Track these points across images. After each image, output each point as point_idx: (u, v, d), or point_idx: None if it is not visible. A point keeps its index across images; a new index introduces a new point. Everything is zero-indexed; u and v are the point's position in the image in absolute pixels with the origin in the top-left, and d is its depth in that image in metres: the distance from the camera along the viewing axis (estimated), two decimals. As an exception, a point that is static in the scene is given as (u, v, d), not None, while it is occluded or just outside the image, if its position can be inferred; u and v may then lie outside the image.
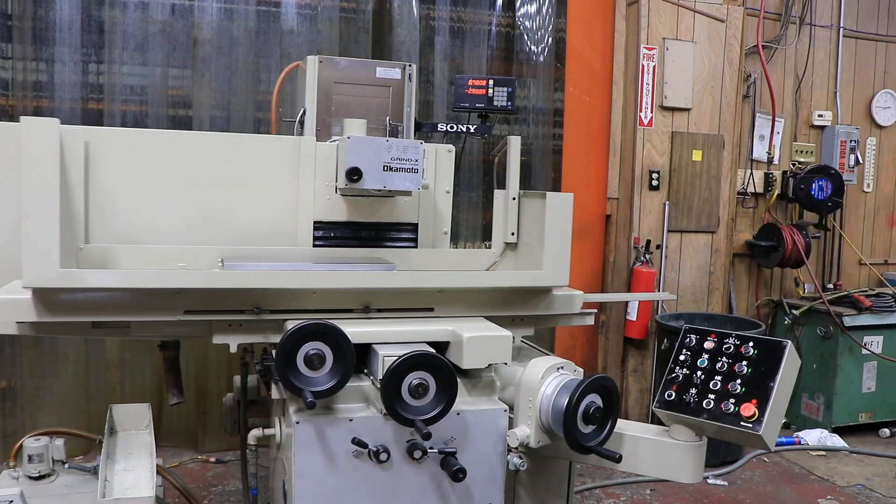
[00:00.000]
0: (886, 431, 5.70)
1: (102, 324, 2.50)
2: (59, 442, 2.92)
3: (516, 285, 2.86)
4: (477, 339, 2.44)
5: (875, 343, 5.61)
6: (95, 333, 2.55)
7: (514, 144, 3.22)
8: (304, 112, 3.39)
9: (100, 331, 2.53)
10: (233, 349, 2.59)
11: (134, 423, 3.07)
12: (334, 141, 3.08)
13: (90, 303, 2.42)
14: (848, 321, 5.54)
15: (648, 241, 5.37)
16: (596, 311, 3.25)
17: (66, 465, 2.92)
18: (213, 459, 4.81)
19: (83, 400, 4.74)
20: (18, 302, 2.37)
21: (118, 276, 2.42)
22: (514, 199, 3.21)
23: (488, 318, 2.73)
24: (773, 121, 5.96)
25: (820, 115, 6.19)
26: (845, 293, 5.83)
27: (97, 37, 4.58)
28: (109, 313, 2.45)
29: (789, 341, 2.41)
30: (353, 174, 2.77)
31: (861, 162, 6.24)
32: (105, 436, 2.86)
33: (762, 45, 5.84)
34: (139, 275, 2.44)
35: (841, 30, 6.20)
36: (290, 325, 2.36)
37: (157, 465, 2.78)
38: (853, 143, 6.13)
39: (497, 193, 3.30)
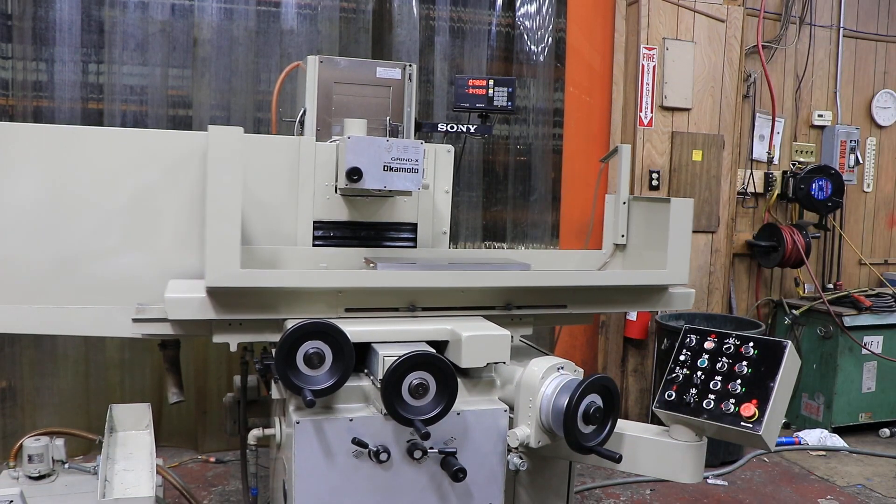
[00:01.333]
0: (886, 431, 5.70)
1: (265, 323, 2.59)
2: (59, 442, 2.92)
3: (645, 283, 3.08)
4: (476, 339, 2.44)
5: (875, 343, 5.61)
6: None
7: (625, 153, 3.41)
8: (304, 112, 3.39)
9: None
10: (233, 348, 2.59)
11: (134, 423, 3.07)
12: (334, 141, 3.08)
13: (259, 301, 2.53)
14: (848, 321, 5.54)
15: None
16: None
17: (66, 465, 2.93)
18: (213, 459, 4.81)
19: (83, 400, 4.74)
20: (202, 301, 2.46)
21: (296, 276, 2.55)
22: (623, 203, 3.39)
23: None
24: (773, 121, 5.96)
25: (820, 115, 6.19)
26: (845, 293, 5.83)
27: (97, 37, 4.58)
28: (274, 311, 2.55)
29: (789, 341, 2.41)
30: (354, 174, 2.77)
31: (861, 162, 6.24)
32: (105, 436, 2.86)
33: (762, 45, 5.84)
34: (311, 274, 2.58)
35: (841, 30, 6.21)
36: (290, 324, 2.36)
37: (157, 465, 2.78)
38: (853, 143, 6.13)
39: (608, 198, 3.49)
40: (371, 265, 2.72)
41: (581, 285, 2.94)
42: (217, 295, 2.46)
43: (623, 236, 3.41)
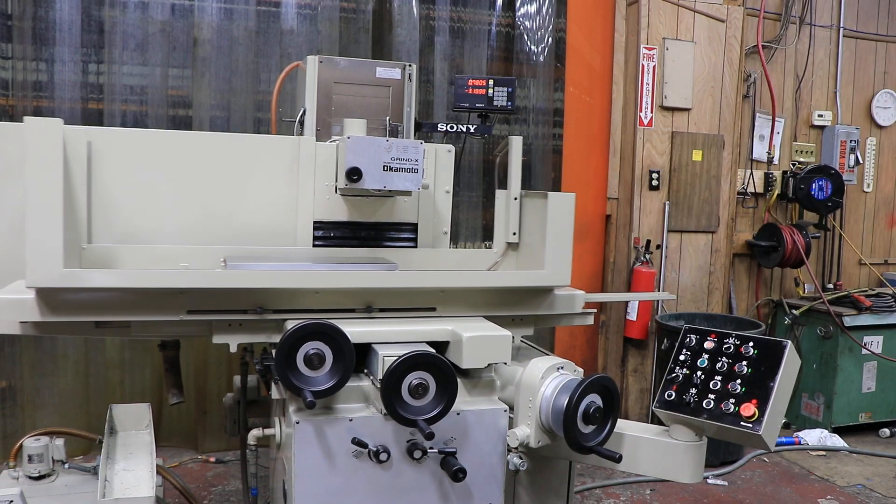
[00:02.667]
0: (886, 431, 5.70)
1: (105, 323, 2.50)
2: (59, 442, 2.92)
3: (518, 285, 2.87)
4: (476, 339, 2.44)
5: (875, 343, 5.61)
6: (98, 333, 2.56)
7: (516, 144, 3.22)
8: (304, 112, 3.39)
9: (102, 330, 2.54)
10: (233, 349, 2.59)
11: (134, 423, 3.07)
12: (334, 141, 3.08)
13: (93, 302, 2.43)
14: (848, 321, 5.54)
15: (648, 241, 5.37)
16: (596, 310, 3.25)
17: (66, 465, 2.93)
18: (213, 459, 4.81)
19: (83, 400, 4.74)
20: (21, 302, 2.37)
21: (121, 277, 2.43)
22: (515, 199, 3.20)
23: (489, 318, 2.73)
24: (773, 121, 5.96)
25: (820, 115, 6.19)
26: (845, 293, 5.83)
27: (97, 37, 4.58)
28: (112, 313, 2.46)
29: (789, 341, 2.41)
30: (353, 174, 2.77)
31: (861, 162, 6.24)
32: (105, 436, 2.86)
33: (762, 45, 5.84)
34: (142, 275, 2.44)
35: (841, 30, 6.20)
36: (290, 324, 2.36)
37: (157, 465, 2.78)
38: (853, 143, 6.13)
39: (498, 193, 3.29)
40: (223, 264, 2.67)
41: (449, 287, 2.75)
42: (44, 295, 2.37)
43: (515, 234, 3.21)
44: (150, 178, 2.88)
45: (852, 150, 6.13)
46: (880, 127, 6.47)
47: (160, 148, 2.89)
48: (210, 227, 2.95)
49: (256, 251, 2.94)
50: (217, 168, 2.95)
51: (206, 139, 3.03)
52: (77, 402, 4.73)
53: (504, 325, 2.64)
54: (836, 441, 5.43)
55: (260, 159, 2.99)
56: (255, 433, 2.57)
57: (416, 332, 2.51)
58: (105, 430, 2.91)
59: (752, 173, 5.95)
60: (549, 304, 2.94)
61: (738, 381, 2.39)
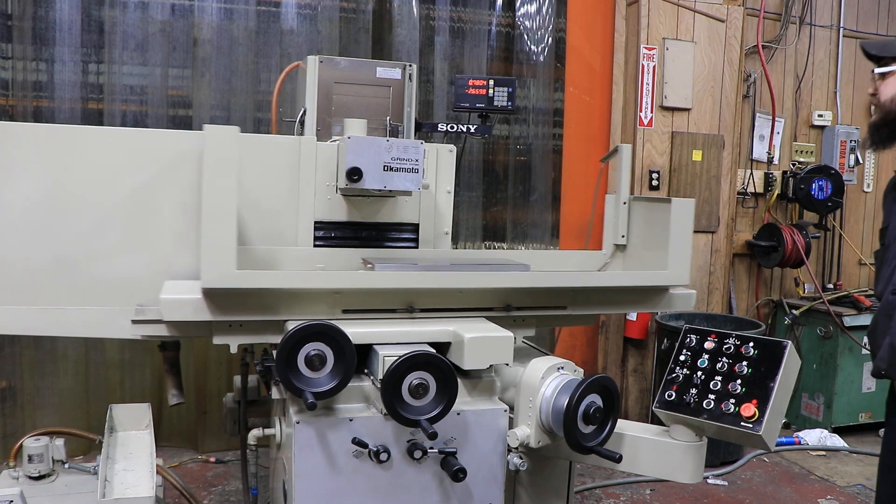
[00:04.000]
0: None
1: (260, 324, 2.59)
2: (59, 442, 2.92)
3: (645, 284, 3.06)
4: (478, 340, 2.44)
5: (875, 343, 5.60)
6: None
7: (626, 152, 3.40)
8: (305, 112, 3.39)
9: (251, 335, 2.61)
10: (233, 350, 2.59)
11: (134, 423, 3.07)
12: (335, 141, 3.08)
13: (252, 303, 2.52)
14: (848, 321, 5.54)
15: (648, 241, 5.37)
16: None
17: (66, 465, 2.93)
18: (213, 459, 4.81)
19: (83, 400, 4.74)
20: (196, 302, 2.45)
21: (292, 277, 2.55)
22: (624, 203, 3.37)
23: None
24: (773, 121, 5.97)
25: (820, 115, 6.19)
26: (845, 293, 5.83)
27: (97, 37, 4.58)
28: (271, 313, 2.54)
29: (789, 341, 2.41)
30: (354, 174, 2.77)
31: (861, 162, 6.24)
32: (105, 436, 2.86)
33: (762, 45, 5.85)
34: (308, 275, 2.59)
35: (841, 30, 6.21)
36: (291, 325, 2.36)
37: (157, 465, 2.78)
38: (853, 143, 6.13)
39: (608, 198, 3.47)
40: (369, 266, 2.72)
41: (581, 286, 2.92)
42: (213, 296, 2.45)
43: (623, 237, 3.39)
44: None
45: (852, 150, 6.13)
46: (880, 127, 6.45)
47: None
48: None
49: (391, 253, 3.09)
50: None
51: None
52: (77, 402, 4.73)
53: (506, 326, 2.65)
54: (836, 441, 5.43)
55: (261, 159, 2.99)
56: (255, 433, 2.57)
57: (417, 332, 2.51)
58: (105, 430, 2.91)
59: (752, 173, 5.95)
60: (668, 302, 3.14)
61: (739, 381, 2.39)
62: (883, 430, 2.60)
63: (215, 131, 2.37)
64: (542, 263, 3.34)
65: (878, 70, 2.70)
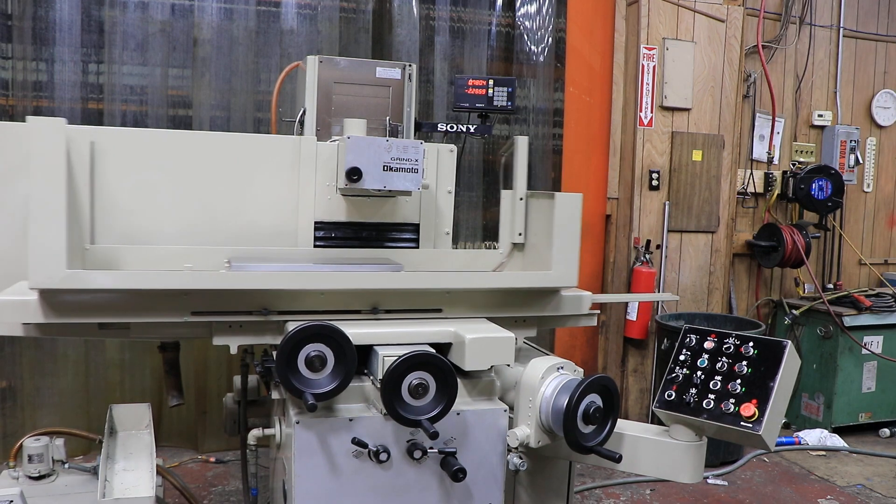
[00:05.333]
0: (886, 431, 5.70)
1: (108, 325, 2.49)
2: (59, 442, 2.92)
3: (525, 286, 2.84)
4: (479, 341, 2.44)
5: (875, 343, 5.62)
6: (101, 335, 2.54)
7: (522, 145, 3.21)
8: (304, 112, 3.39)
9: (105, 332, 2.52)
10: (233, 350, 2.58)
11: (134, 423, 3.07)
12: (334, 141, 3.08)
13: (96, 304, 2.41)
14: (848, 321, 5.54)
15: (648, 241, 5.38)
16: (598, 311, 3.25)
17: (66, 465, 2.93)
18: (213, 459, 4.81)
19: (83, 400, 4.74)
20: (24, 303, 2.36)
21: (125, 278, 2.42)
22: (521, 199, 3.19)
23: (494, 319, 2.72)
24: (773, 121, 5.97)
25: (820, 115, 6.19)
26: (845, 293, 5.83)
27: (97, 37, 4.58)
28: (115, 314, 2.44)
29: (789, 341, 2.41)
30: (353, 174, 2.78)
31: (861, 162, 6.24)
32: (105, 436, 2.86)
33: (762, 45, 5.85)
34: (146, 276, 2.42)
35: (841, 30, 6.21)
36: (292, 326, 2.36)
37: (157, 465, 2.78)
38: (853, 143, 6.13)
39: (504, 194, 3.26)
40: (226, 265, 2.65)
41: (455, 288, 2.72)
42: (49, 297, 2.35)
43: (520, 234, 3.19)
44: (152, 177, 2.88)
45: (852, 150, 6.13)
46: (880, 127, 6.47)
47: (163, 148, 2.89)
48: (212, 227, 2.95)
49: (260, 252, 2.93)
50: (218, 168, 2.95)
51: (207, 139, 3.02)
52: (77, 402, 4.73)
53: (507, 327, 2.64)
54: (836, 441, 5.43)
55: (261, 159, 2.99)
56: (255, 433, 2.57)
57: (418, 333, 2.51)
58: (105, 430, 2.91)
59: (752, 173, 5.95)
60: (556, 305, 2.91)
61: (738, 381, 2.39)
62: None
63: (39, 123, 2.26)
64: (428, 263, 3.18)
65: None
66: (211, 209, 2.94)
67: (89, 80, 4.60)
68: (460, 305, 2.75)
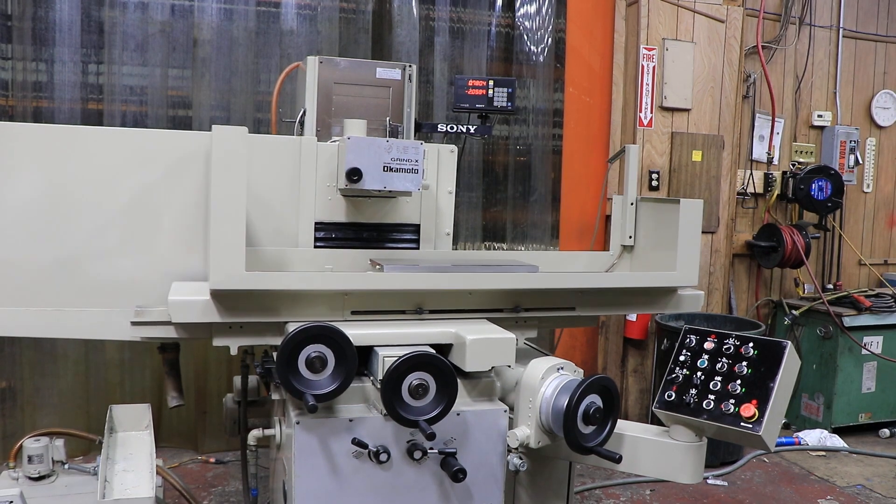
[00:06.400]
0: (886, 432, 5.70)
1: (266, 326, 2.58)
2: (59, 442, 2.92)
3: (654, 285, 3.06)
4: (480, 342, 2.44)
5: (875, 343, 5.62)
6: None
7: (633, 153, 3.38)
8: (304, 112, 3.39)
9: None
10: (233, 351, 2.58)
11: (134, 423, 3.07)
12: (334, 141, 3.08)
13: (260, 304, 2.51)
14: (848, 321, 5.54)
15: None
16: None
17: (66, 466, 2.93)
18: (212, 460, 4.81)
19: (83, 400, 4.74)
20: (204, 304, 2.44)
21: (301, 278, 2.53)
22: (632, 203, 3.35)
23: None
24: (773, 121, 5.97)
25: (820, 116, 6.19)
26: (845, 293, 5.83)
27: (97, 37, 4.59)
28: (277, 314, 2.53)
29: (789, 342, 2.41)
30: (353, 175, 2.77)
31: (861, 162, 6.25)
32: (105, 436, 2.86)
33: (762, 46, 5.85)
34: (319, 276, 2.58)
35: (840, 30, 6.21)
36: (291, 327, 2.36)
37: (157, 466, 2.78)
38: (853, 144, 6.14)
39: (616, 198, 3.43)
40: (377, 267, 2.72)
41: (590, 287, 2.92)
42: (221, 298, 2.44)
43: (631, 237, 3.37)
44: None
45: (852, 150, 6.14)
46: (880, 127, 6.48)
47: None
48: None
49: (397, 254, 3.09)
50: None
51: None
52: (77, 402, 4.73)
53: (507, 327, 2.64)
54: (836, 441, 5.43)
55: (261, 160, 2.98)
56: (255, 434, 2.57)
57: (418, 334, 2.51)
58: (105, 431, 2.91)
59: (751, 174, 5.95)
60: (676, 303, 3.14)
61: (738, 381, 2.39)
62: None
63: (224, 131, 2.37)
64: (548, 264, 3.33)
65: None
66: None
67: (89, 81, 4.60)
68: (591, 304, 2.97)
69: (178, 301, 2.44)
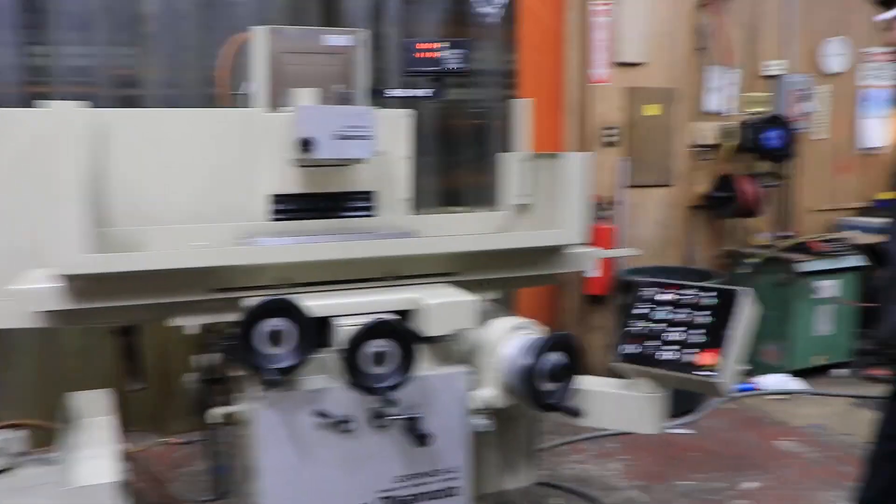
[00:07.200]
0: (841, 371, 5.83)
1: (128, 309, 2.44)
2: (19, 434, 2.87)
3: (536, 245, 2.89)
4: (442, 306, 2.44)
5: (830, 287, 5.73)
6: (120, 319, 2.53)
7: (522, 107, 3.26)
8: (255, 84, 3.32)
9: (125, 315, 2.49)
10: (191, 330, 2.56)
11: (94, 409, 3.03)
12: (286, 112, 3.03)
13: (114, 288, 2.35)
14: (802, 267, 5.64)
15: (606, 198, 5.40)
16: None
17: (28, 458, 2.88)
18: (179, 441, 4.78)
19: (42, 390, 4.66)
20: (43, 291, 2.29)
21: (151, 258, 2.40)
22: (522, 161, 3.22)
23: (505, 280, 2.80)
24: (727, 72, 5.99)
25: (772, 65, 6.23)
26: (800, 240, 5.93)
27: (36, 16, 4.43)
28: (136, 296, 2.39)
29: (747, 289, 2.44)
30: (305, 144, 2.74)
31: (814, 110, 6.31)
32: (66, 424, 2.82)
33: (713, -3, 5.85)
34: (174, 255, 2.41)
35: (789, -22, 6.23)
36: (249, 302, 2.34)
37: (122, 450, 2.76)
38: (804, 92, 6.19)
39: (503, 157, 3.31)
40: (247, 241, 2.65)
41: (467, 251, 2.75)
42: (73, 282, 2.29)
43: (522, 196, 3.23)
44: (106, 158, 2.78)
45: (805, 98, 6.19)
46: (831, 75, 6.53)
47: (111, 126, 2.81)
48: (170, 206, 2.89)
49: (267, 227, 2.91)
50: (166, 144, 2.89)
51: (151, 116, 2.97)
52: (36, 392, 4.65)
53: (471, 289, 2.63)
54: (794, 384, 5.55)
55: (211, 134, 2.93)
56: (219, 411, 2.56)
57: (379, 302, 2.50)
58: (66, 419, 2.87)
59: (707, 126, 5.98)
60: (565, 262, 2.99)
61: (697, 330, 2.43)
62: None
63: (59, 107, 2.24)
64: (437, 228, 3.19)
65: (882, 16, 2.29)
66: (170, 187, 2.89)
67: (31, 63, 4.46)
68: (475, 267, 2.77)
69: (25, 290, 2.31)
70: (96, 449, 2.57)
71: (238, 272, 2.47)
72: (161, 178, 2.89)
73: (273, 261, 2.49)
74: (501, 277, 2.85)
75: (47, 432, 3.35)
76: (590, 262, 3.11)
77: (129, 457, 3.10)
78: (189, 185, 2.92)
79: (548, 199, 3.03)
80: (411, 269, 2.69)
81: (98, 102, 4.47)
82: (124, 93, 4.67)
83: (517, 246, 2.86)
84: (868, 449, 2.44)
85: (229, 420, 2.62)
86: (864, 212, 6.72)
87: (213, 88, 4.71)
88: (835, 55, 6.50)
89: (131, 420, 4.86)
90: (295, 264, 2.51)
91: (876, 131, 6.81)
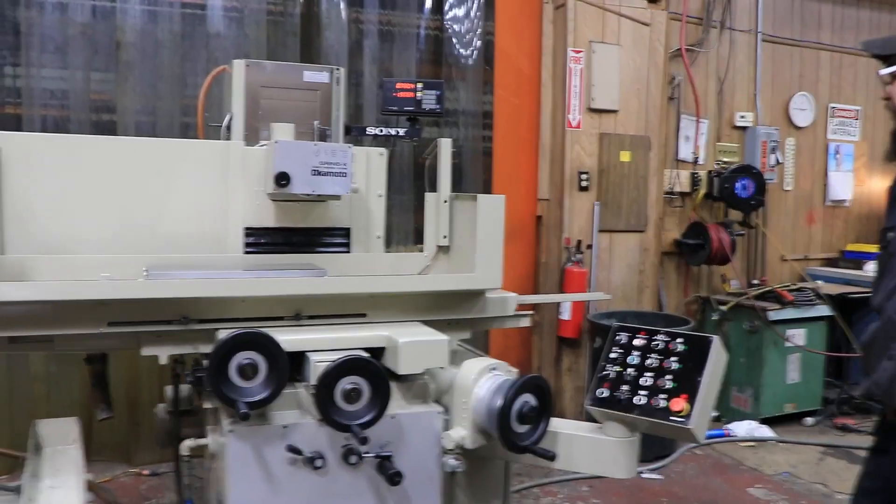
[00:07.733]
0: (810, 420, 5.89)
1: (21, 339, 2.40)
2: (-18, 461, 2.81)
3: (448, 289, 2.85)
4: (413, 344, 2.43)
5: (798, 336, 5.80)
6: (14, 349, 2.45)
7: (445, 147, 3.22)
8: (232, 117, 3.33)
9: (18, 346, 2.43)
10: (162, 361, 2.53)
11: (61, 438, 2.95)
12: (262, 145, 3.04)
13: (7, 317, 2.32)
14: (772, 315, 5.71)
15: (579, 242, 5.45)
16: (532, 312, 3.27)
17: (-11, 485, 2.81)
18: (146, 472, 4.69)
19: (6, 416, 4.57)
20: None
21: (36, 289, 2.34)
22: (445, 201, 3.19)
23: (424, 322, 2.72)
24: (698, 122, 6.12)
25: (742, 117, 6.38)
26: (769, 289, 6.01)
27: (13, 38, 4.43)
28: (28, 327, 2.35)
29: (716, 336, 2.47)
30: (282, 179, 2.74)
31: (781, 161, 6.45)
32: (30, 453, 2.76)
33: (685, 49, 5.99)
34: (58, 286, 2.35)
35: (759, 34, 6.41)
36: (222, 334, 2.32)
37: (88, 481, 2.69)
38: (773, 144, 6.33)
39: (428, 196, 3.27)
40: (144, 273, 2.60)
41: (379, 292, 2.71)
42: None
43: (445, 237, 3.18)
44: (67, 185, 2.75)
45: (773, 149, 6.33)
46: (798, 128, 6.70)
47: (78, 153, 2.77)
48: (134, 236, 2.85)
49: (182, 260, 2.83)
50: (141, 174, 2.85)
51: (128, 144, 2.95)
52: (0, 418, 4.55)
53: (441, 329, 2.63)
54: (765, 432, 5.59)
55: (186, 165, 2.92)
56: (188, 444, 2.52)
57: (351, 338, 2.48)
58: (30, 447, 2.81)
59: (678, 173, 6.09)
60: (482, 307, 2.91)
61: (668, 376, 2.43)
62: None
63: None
64: (351, 267, 3.10)
65: (884, 71, 2.37)
66: (133, 217, 2.84)
67: (6, 84, 4.44)
68: (386, 309, 2.74)
69: None
70: (61, 478, 2.51)
71: (135, 307, 2.42)
72: (135, 206, 2.86)
73: (162, 295, 2.41)
74: (413, 321, 2.74)
75: (11, 460, 3.26)
76: (509, 307, 3.00)
77: (93, 487, 3.02)
78: (165, 215, 2.90)
79: (469, 241, 2.94)
80: (317, 308, 2.65)
81: (72, 127, 4.50)
82: (99, 118, 4.65)
83: (429, 289, 2.82)
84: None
85: (199, 452, 2.58)
86: (831, 262, 6.85)
87: (188, 118, 4.73)
88: (801, 109, 6.68)
89: (99, 449, 4.79)
90: (191, 299, 2.46)
91: (843, 184, 6.97)
